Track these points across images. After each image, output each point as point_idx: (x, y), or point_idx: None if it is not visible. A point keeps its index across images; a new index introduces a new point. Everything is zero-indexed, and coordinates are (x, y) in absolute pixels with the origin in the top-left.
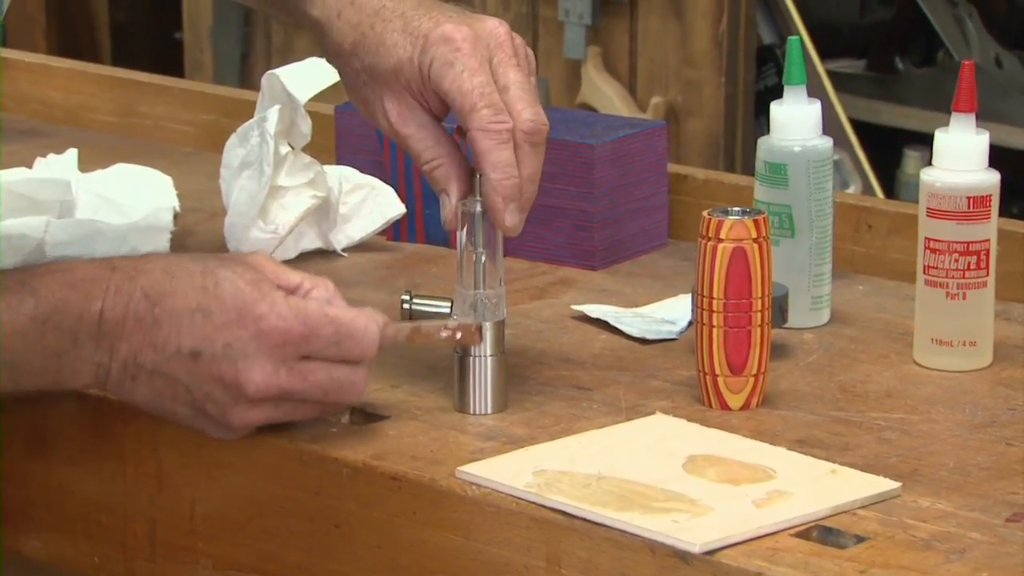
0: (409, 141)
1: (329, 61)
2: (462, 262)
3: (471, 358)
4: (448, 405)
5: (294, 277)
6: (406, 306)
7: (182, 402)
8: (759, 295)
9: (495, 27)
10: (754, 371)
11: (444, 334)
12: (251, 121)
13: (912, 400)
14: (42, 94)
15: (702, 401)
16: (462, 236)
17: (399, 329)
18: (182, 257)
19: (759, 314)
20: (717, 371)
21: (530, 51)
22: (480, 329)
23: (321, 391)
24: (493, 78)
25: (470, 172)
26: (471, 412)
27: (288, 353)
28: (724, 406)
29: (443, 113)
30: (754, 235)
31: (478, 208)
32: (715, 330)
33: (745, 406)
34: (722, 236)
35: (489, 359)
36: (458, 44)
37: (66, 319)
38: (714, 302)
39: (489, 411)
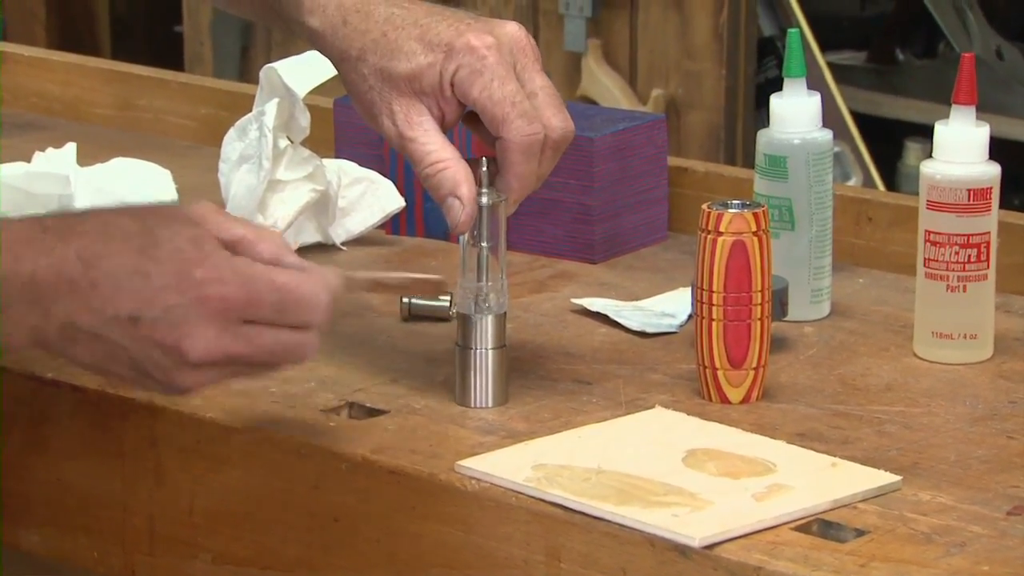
0: (414, 144)
1: (334, 66)
2: (464, 255)
3: (472, 351)
4: (448, 399)
5: (238, 229)
6: (405, 300)
7: (124, 365)
8: (759, 288)
9: (515, 32)
10: (754, 364)
11: (400, 281)
12: (250, 115)
13: (912, 393)
14: (41, 87)
15: (702, 395)
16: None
17: (356, 283)
18: (121, 214)
19: (759, 307)
20: (717, 364)
21: (538, 49)
22: (440, 284)
23: (268, 354)
24: (520, 84)
25: (472, 175)
26: (472, 405)
27: (231, 319)
28: (724, 399)
29: (452, 123)
30: (754, 228)
31: (484, 200)
32: (715, 323)
33: (745, 399)
34: (722, 229)
35: (490, 352)
36: (483, 53)
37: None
38: (714, 295)
39: (490, 404)
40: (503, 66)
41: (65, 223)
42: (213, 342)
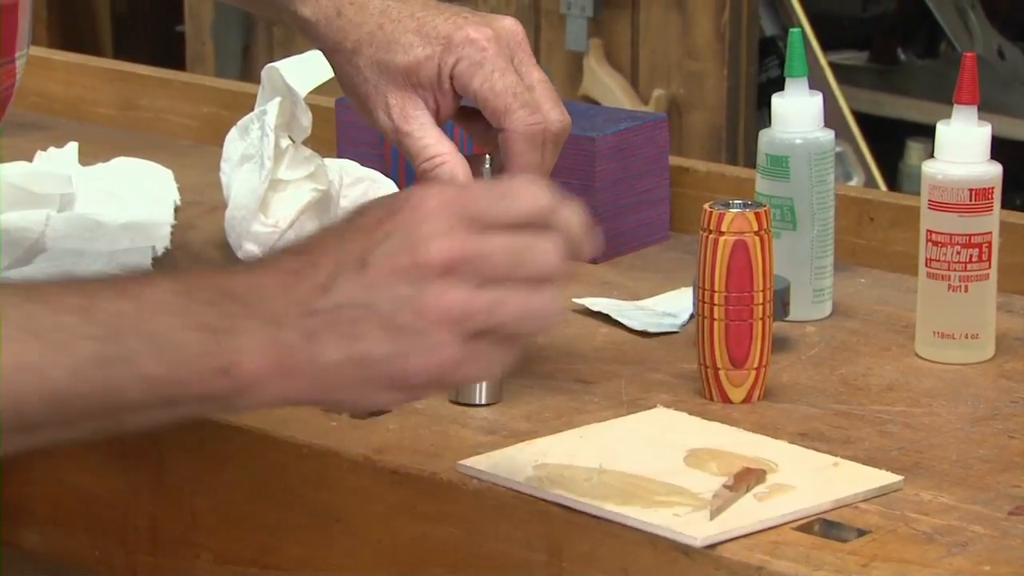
0: (410, 139)
1: (325, 57)
2: None
3: None
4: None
5: None
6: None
7: (374, 331)
8: (760, 288)
9: (512, 26)
10: (756, 364)
11: None
12: (251, 114)
13: (914, 393)
14: (42, 87)
15: (704, 394)
16: None
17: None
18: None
19: (760, 307)
20: (718, 364)
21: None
22: None
23: (509, 253)
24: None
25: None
26: (465, 402)
27: (452, 216)
28: (725, 399)
29: (447, 117)
30: (755, 228)
31: None
32: (716, 323)
33: (747, 399)
34: (723, 229)
35: None
36: (483, 44)
37: (210, 293)
38: (715, 295)
39: (484, 401)
40: (502, 58)
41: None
42: (447, 237)
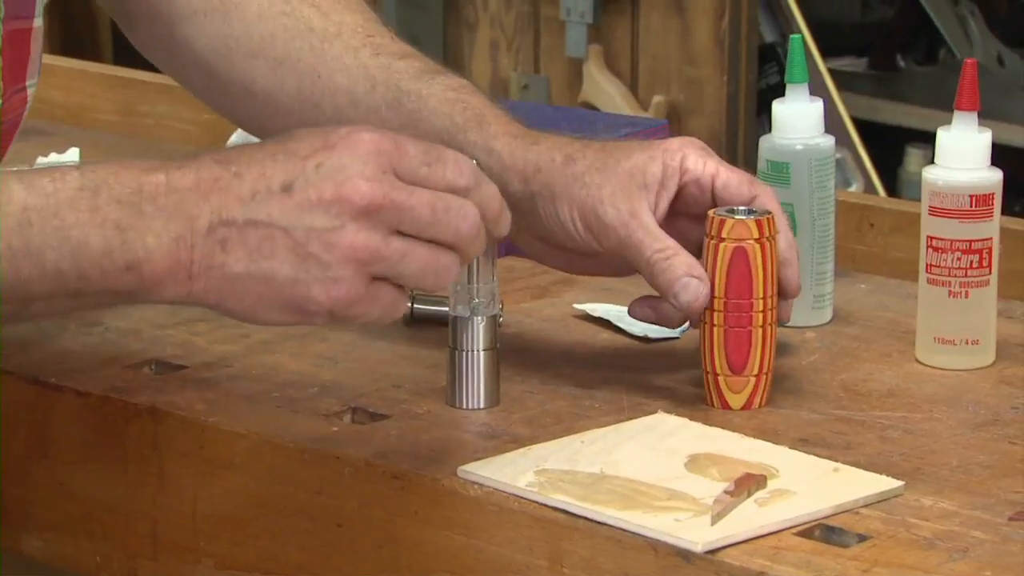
0: (643, 230)
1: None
2: None
3: (463, 352)
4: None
5: None
6: (408, 305)
7: (283, 252)
8: (761, 295)
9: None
10: (755, 371)
11: None
12: None
13: (915, 399)
14: (43, 93)
15: (706, 400)
16: None
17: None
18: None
19: (761, 314)
20: (718, 370)
21: None
22: None
23: (430, 210)
24: None
25: None
26: (462, 407)
27: (384, 164)
28: (725, 406)
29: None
30: (756, 235)
31: None
32: (716, 329)
33: (746, 406)
34: (724, 235)
35: (481, 354)
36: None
37: (123, 191)
38: (715, 301)
39: (481, 406)
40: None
41: (184, 156)
42: (374, 181)
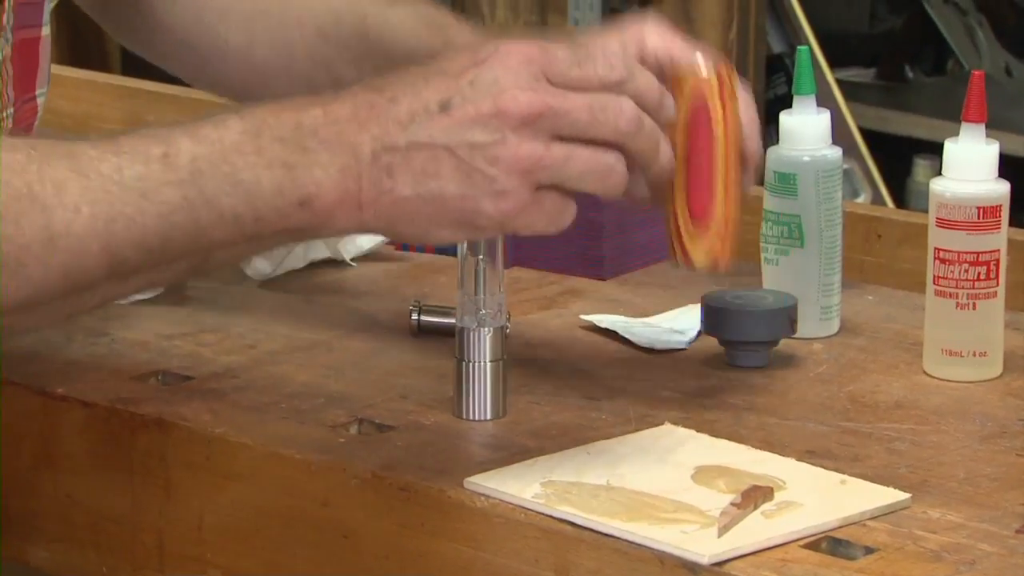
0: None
1: None
2: (462, 268)
3: (470, 364)
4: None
5: None
6: (415, 316)
7: (448, 170)
8: (723, 148)
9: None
10: (718, 225)
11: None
12: None
13: (922, 410)
14: (51, 103)
15: (670, 257)
16: (463, 244)
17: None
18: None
19: (723, 164)
20: (680, 221)
21: None
22: None
23: (588, 111)
24: None
25: None
26: (468, 418)
27: (535, 72)
28: (688, 261)
29: None
30: (716, 90)
31: None
32: (678, 179)
33: (711, 262)
34: (684, 91)
35: (488, 365)
36: None
37: (284, 130)
38: (677, 150)
39: (487, 417)
40: None
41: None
42: (529, 90)
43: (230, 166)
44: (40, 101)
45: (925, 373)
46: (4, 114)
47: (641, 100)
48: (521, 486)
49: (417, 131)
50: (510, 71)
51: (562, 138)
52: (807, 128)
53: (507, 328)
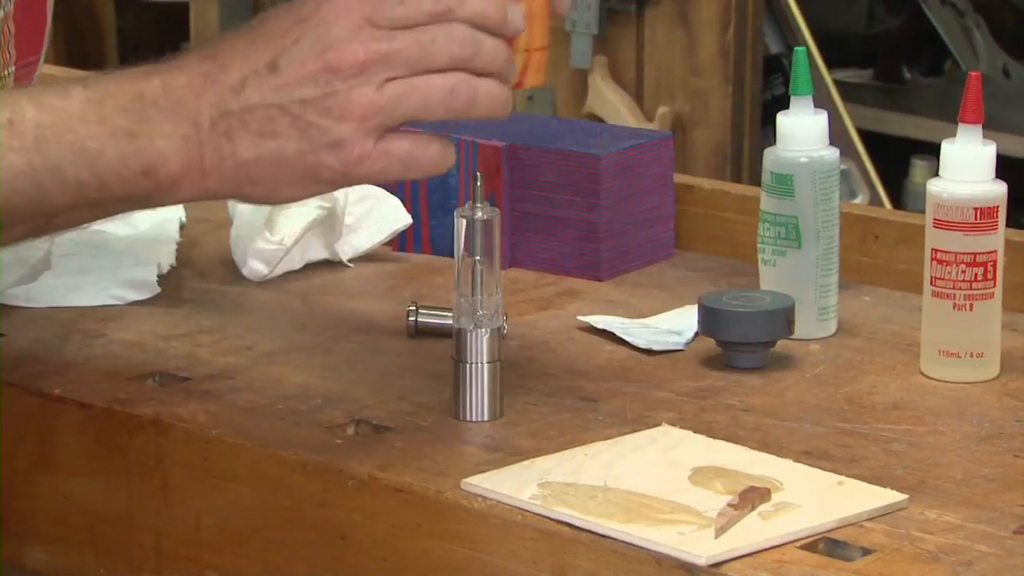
0: None
1: None
2: (459, 269)
3: (467, 365)
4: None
5: None
6: (412, 317)
7: (284, 128)
8: None
9: None
10: (524, 47)
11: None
12: None
13: (919, 411)
14: None
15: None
16: (460, 244)
17: None
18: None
19: None
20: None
21: None
22: None
23: (414, 45)
24: None
25: None
26: (466, 419)
27: (357, 21)
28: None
29: None
30: None
31: (477, 214)
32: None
33: (517, 84)
34: None
35: (485, 366)
36: None
37: (125, 99)
38: None
39: (485, 418)
40: None
41: (173, 57)
42: (353, 42)
43: (74, 134)
44: (38, 74)
45: (922, 374)
46: (5, 72)
47: (479, 21)
48: (518, 487)
49: (249, 95)
50: (333, 24)
51: (400, 77)
52: (804, 129)
53: (504, 329)
